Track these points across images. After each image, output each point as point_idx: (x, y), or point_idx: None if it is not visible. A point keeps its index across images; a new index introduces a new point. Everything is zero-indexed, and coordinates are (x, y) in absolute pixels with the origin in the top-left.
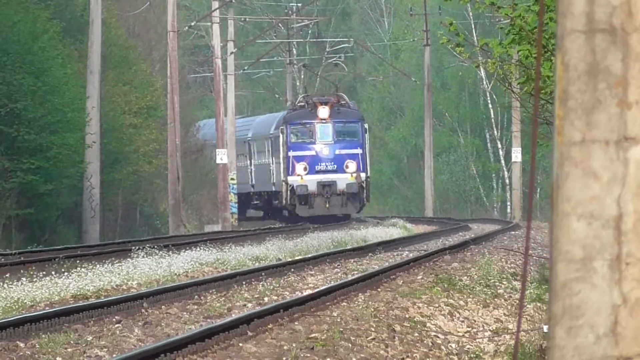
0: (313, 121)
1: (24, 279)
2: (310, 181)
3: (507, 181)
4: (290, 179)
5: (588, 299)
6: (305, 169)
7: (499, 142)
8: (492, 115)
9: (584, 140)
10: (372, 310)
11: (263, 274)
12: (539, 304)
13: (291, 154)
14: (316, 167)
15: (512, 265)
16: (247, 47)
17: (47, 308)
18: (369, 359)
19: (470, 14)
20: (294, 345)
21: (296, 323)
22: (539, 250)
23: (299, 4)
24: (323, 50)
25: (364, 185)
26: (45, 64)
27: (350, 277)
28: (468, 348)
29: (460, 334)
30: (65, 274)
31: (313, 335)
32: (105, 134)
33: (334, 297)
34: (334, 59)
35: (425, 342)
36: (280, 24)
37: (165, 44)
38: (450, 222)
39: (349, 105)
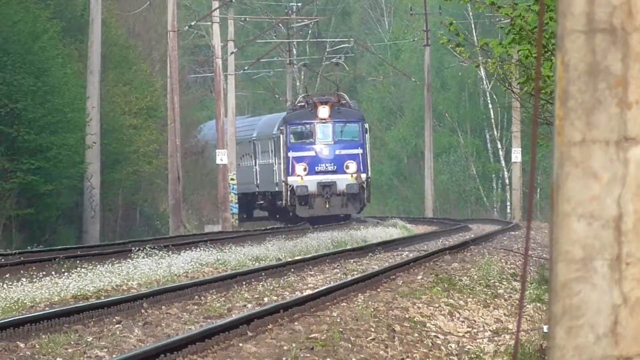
0: (313, 121)
1: (24, 279)
2: (310, 182)
3: (507, 181)
4: (290, 179)
5: (588, 299)
6: (305, 169)
7: (499, 143)
8: (492, 116)
9: (584, 140)
10: (372, 310)
11: (263, 274)
12: (538, 304)
13: (291, 154)
14: (316, 167)
15: (512, 265)
16: (248, 47)
17: (47, 308)
18: (369, 359)
19: (471, 13)
20: (293, 345)
21: (296, 323)
22: (539, 250)
23: (299, 4)
24: (323, 50)
25: (365, 185)
26: (45, 64)
27: (350, 278)
28: (468, 348)
29: (460, 334)
30: (66, 274)
31: (313, 335)
32: (105, 134)
33: (334, 297)
34: (335, 58)
35: (425, 342)
36: (280, 24)
37: (165, 44)
38: (450, 222)
39: (350, 105)
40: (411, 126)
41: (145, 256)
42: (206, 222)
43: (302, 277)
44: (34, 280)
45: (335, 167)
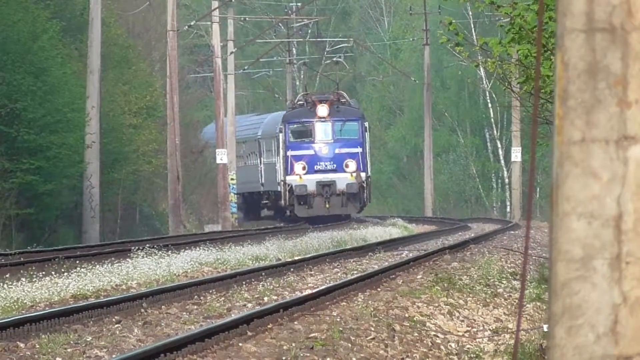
0: (312, 120)
1: (23, 279)
2: (309, 181)
3: (506, 181)
4: (288, 178)
5: (588, 298)
6: (304, 168)
7: (498, 142)
8: (492, 115)
9: (584, 139)
10: (372, 309)
11: (263, 273)
12: (538, 304)
13: (290, 153)
14: (315, 166)
15: (511, 264)
16: (247, 46)
17: (46, 308)
18: (369, 359)
19: (470, 13)
20: (293, 345)
21: (296, 323)
22: (539, 249)
23: (299, 4)
24: (323, 49)
25: (365, 185)
26: (45, 64)
27: (349, 277)
28: (468, 347)
29: (460, 333)
30: (65, 274)
31: (313, 335)
32: (105, 134)
33: (334, 296)
34: (335, 57)
35: (425, 341)
36: (280, 24)
37: (165, 44)
38: (450, 221)
39: (349, 104)
40: (411, 125)
41: (144, 256)
42: (206, 222)
43: (302, 276)
44: (34, 280)
45: (335, 166)
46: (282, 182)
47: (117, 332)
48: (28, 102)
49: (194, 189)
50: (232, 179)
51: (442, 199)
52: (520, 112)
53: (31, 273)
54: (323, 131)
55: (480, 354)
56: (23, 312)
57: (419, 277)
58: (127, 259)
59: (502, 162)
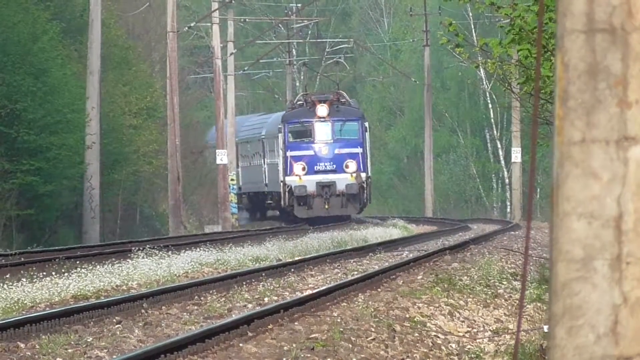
0: (311, 120)
1: (24, 279)
2: (309, 181)
3: (507, 181)
4: (288, 179)
5: (588, 299)
6: (303, 169)
7: (498, 142)
8: (492, 116)
9: (584, 140)
10: (372, 310)
11: (263, 274)
12: (539, 304)
13: (289, 153)
14: (315, 167)
15: (512, 265)
16: (247, 47)
17: (47, 309)
18: (369, 359)
19: (470, 14)
20: (294, 345)
21: (296, 323)
22: (539, 250)
23: (299, 5)
24: (323, 50)
25: (365, 185)
26: (45, 65)
27: (350, 277)
28: (468, 348)
29: (461, 334)
30: (66, 274)
31: (313, 335)
32: (105, 135)
33: (334, 297)
34: (335, 58)
35: (425, 342)
36: (280, 25)
37: (165, 45)
38: (450, 222)
39: (349, 103)
40: (411, 126)
41: (145, 256)
42: (206, 223)
43: (303, 277)
44: (34, 280)
45: (335, 166)
46: (280, 183)
47: (118, 332)
48: (28, 103)
49: (194, 190)
50: (232, 180)
51: (443, 199)
52: (520, 112)
53: (31, 274)
54: (323, 131)
55: (481, 354)
56: (23, 312)
57: (419, 277)
58: (128, 260)
59: (502, 162)
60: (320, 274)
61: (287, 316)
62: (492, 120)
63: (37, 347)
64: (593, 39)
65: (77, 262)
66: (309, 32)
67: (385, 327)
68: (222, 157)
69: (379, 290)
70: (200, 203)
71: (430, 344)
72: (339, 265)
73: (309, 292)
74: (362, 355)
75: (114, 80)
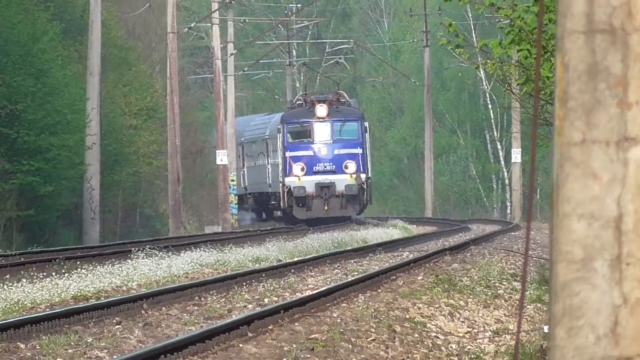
0: (311, 120)
1: (24, 280)
2: (308, 182)
3: (507, 182)
4: (287, 180)
5: (588, 300)
6: (302, 169)
7: (498, 143)
8: (492, 116)
9: (584, 140)
10: (373, 311)
11: (263, 275)
12: (539, 305)
13: (288, 154)
14: (314, 167)
15: (512, 265)
16: (247, 48)
17: (47, 309)
18: None
19: (470, 14)
20: (294, 346)
21: (296, 324)
22: (539, 250)
23: (299, 5)
24: (323, 51)
25: (365, 186)
26: (45, 66)
27: (350, 278)
28: (468, 349)
29: (461, 334)
30: (66, 275)
31: (313, 336)
32: (105, 136)
33: (334, 297)
34: (335, 58)
35: (425, 342)
36: (279, 25)
37: (165, 45)
38: (450, 222)
39: (349, 103)
40: (411, 127)
41: (145, 257)
42: (206, 223)
43: (303, 277)
44: (34, 281)
45: (334, 167)
46: (279, 184)
47: (118, 333)
48: (28, 104)
49: (194, 190)
50: (232, 180)
51: (443, 200)
52: (520, 113)
53: (32, 274)
54: (322, 131)
55: (481, 354)
56: (23, 313)
57: (419, 278)
58: (128, 260)
59: (502, 163)
60: (320, 274)
61: (287, 317)
62: (492, 121)
63: (37, 347)
64: (593, 39)
65: (77, 262)
66: (309, 32)
67: (385, 327)
68: (222, 157)
69: (379, 290)
70: (200, 204)
71: (431, 345)
72: (339, 266)
73: (309, 292)
74: (362, 356)
75: (114, 80)
